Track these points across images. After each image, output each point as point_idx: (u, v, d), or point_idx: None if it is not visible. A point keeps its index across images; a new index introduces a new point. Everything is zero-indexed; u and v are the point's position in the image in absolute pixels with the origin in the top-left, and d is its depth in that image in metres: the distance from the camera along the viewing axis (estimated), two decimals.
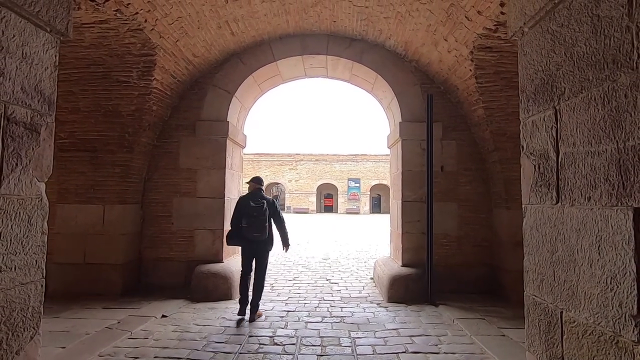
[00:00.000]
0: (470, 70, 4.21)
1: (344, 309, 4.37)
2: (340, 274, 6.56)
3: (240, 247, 4.29)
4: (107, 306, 4.16)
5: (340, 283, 5.82)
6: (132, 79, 4.32)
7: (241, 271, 4.17)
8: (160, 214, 5.06)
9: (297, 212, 35.15)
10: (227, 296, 4.66)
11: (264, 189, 4.41)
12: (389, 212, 5.66)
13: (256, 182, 4.33)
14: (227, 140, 5.18)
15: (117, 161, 4.69)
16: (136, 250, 4.95)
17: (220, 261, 4.97)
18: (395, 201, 5.46)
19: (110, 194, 4.68)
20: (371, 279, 6.09)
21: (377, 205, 39.27)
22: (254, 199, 4.10)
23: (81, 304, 4.18)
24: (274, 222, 4.23)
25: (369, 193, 36.83)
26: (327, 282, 5.93)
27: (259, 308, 4.08)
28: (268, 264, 4.29)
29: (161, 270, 4.96)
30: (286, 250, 4.40)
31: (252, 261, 4.16)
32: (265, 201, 4.11)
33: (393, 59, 5.17)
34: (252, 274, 4.16)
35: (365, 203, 36.49)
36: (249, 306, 4.00)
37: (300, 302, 4.73)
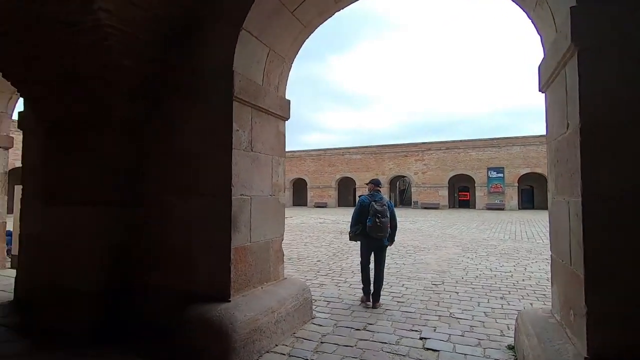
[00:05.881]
0: None
1: None
2: (449, 323, 3.83)
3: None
4: None
5: (444, 352, 3.16)
6: (74, 16, 2.79)
7: (361, 263, 4.71)
8: (153, 222, 3.48)
9: (425, 208, 31.31)
10: None
11: (380, 188, 4.83)
12: (547, 209, 2.45)
13: (375, 184, 4.85)
14: (236, 102, 3.22)
15: (89, 146, 3.31)
16: (115, 273, 3.46)
17: (226, 299, 3.05)
18: (562, 199, 2.49)
19: (78, 191, 3.32)
20: (509, 348, 3.19)
21: (529, 199, 31.70)
22: (378, 201, 4.52)
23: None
24: (390, 223, 4.59)
25: (516, 185, 29.96)
26: (421, 348, 3.32)
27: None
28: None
29: (151, 302, 3.36)
30: (389, 245, 4.78)
31: (370, 255, 4.67)
32: (387, 204, 4.57)
33: None
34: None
35: (511, 197, 29.82)
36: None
37: None
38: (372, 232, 4.40)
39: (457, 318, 4.01)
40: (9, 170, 7.12)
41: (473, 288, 5.34)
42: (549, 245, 2.95)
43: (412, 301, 4.68)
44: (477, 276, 6.12)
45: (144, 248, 3.50)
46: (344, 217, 20.88)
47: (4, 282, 5.41)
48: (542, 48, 2.98)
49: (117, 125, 3.35)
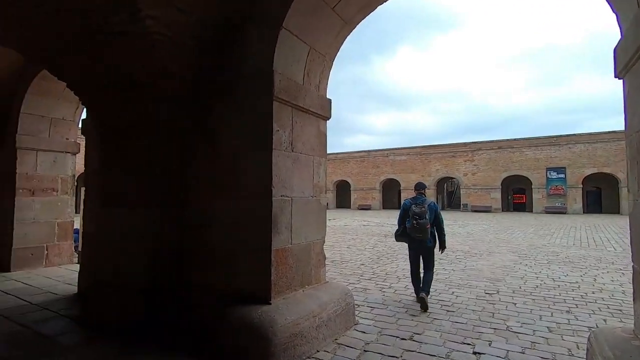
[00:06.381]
0: None
1: None
2: (506, 338, 3.47)
3: None
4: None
5: None
6: (124, 25, 2.93)
7: (410, 269, 4.89)
8: (197, 223, 3.55)
9: (475, 211, 29.66)
10: None
11: (424, 191, 4.96)
12: (617, 212, 1.99)
13: (418, 188, 5.04)
14: (276, 102, 3.18)
15: (140, 150, 3.46)
16: (163, 272, 3.53)
17: (267, 301, 3.01)
18: None
19: (129, 194, 3.48)
20: None
21: (596, 202, 28.78)
22: (417, 203, 4.72)
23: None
24: (435, 225, 4.75)
25: (580, 186, 27.35)
26: None
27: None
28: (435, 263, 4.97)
29: (194, 301, 3.41)
30: (441, 252, 4.93)
31: (418, 257, 4.82)
32: (427, 206, 4.68)
33: None
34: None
35: (575, 199, 27.28)
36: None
37: None
38: (411, 233, 4.66)
39: (516, 332, 3.64)
40: (78, 175, 7.80)
41: (533, 299, 4.85)
42: (622, 254, 2.54)
43: (463, 311, 4.35)
44: (537, 286, 5.58)
45: (189, 248, 3.58)
46: (388, 219, 20.37)
47: (71, 276, 5.88)
48: (618, 28, 2.59)
49: (165, 129, 3.47)
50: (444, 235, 4.83)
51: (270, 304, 3.00)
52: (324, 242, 3.88)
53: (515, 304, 4.65)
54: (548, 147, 28.63)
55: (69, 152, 7.11)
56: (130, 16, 2.85)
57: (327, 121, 4.00)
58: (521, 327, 3.80)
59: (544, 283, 5.78)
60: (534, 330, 3.69)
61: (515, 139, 30.51)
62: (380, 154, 36.52)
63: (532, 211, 28.82)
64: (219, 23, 3.32)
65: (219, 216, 3.41)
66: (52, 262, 6.75)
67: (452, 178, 34.64)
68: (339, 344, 3.29)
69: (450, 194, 39.41)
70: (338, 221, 19.75)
